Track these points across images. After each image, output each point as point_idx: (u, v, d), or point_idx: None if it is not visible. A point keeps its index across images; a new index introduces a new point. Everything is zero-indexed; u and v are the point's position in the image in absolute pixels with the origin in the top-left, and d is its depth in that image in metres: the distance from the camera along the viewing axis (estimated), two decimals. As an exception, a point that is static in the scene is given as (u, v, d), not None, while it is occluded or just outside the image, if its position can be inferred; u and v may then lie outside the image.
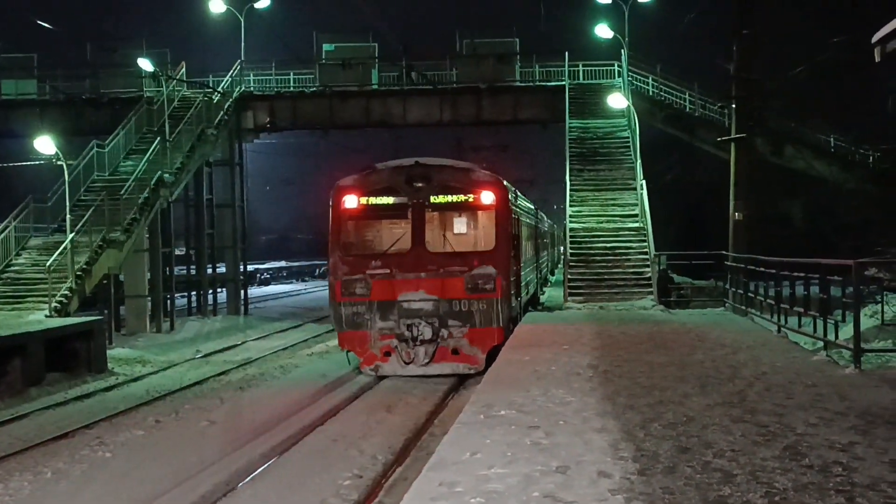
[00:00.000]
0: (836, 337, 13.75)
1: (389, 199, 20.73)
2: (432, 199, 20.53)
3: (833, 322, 14.01)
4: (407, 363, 20.16)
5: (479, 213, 21.32)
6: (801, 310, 15.63)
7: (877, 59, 8.82)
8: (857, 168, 36.22)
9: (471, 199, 20.77)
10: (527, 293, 27.44)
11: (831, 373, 12.00)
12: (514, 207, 22.86)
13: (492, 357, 17.07)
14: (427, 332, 19.99)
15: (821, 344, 14.59)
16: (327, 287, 22.34)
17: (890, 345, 17.92)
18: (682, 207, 45.57)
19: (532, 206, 32.59)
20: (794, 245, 26.20)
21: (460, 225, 21.55)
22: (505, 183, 21.92)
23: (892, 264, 18.77)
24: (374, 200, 20.76)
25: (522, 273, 25.09)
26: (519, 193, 26.70)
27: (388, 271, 20.17)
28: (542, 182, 77.36)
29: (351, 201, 20.70)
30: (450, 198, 20.76)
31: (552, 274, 53.79)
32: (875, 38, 8.69)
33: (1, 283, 27.17)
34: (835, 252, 19.85)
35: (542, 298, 37.66)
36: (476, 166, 23.43)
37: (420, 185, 20.52)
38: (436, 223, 21.11)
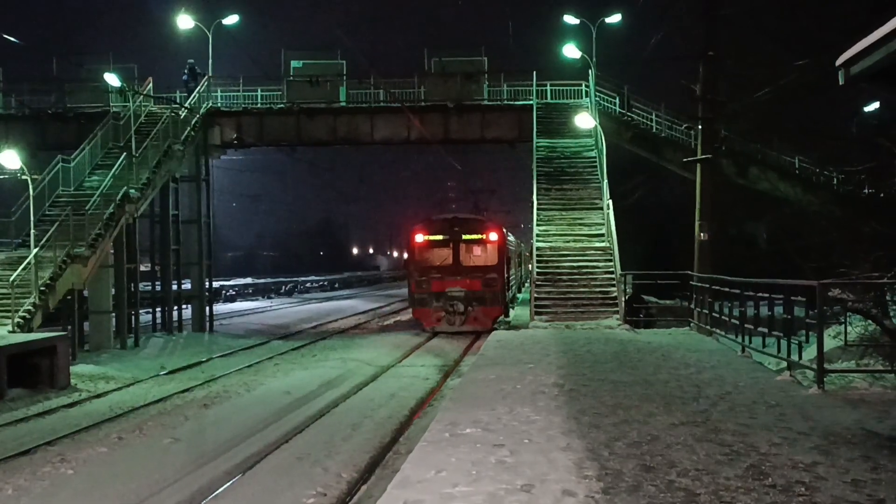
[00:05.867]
0: (800, 357, 13.80)
1: (441, 236, 36.62)
2: (464, 237, 36.56)
3: (797, 342, 14.06)
4: (450, 325, 35.74)
5: (488, 244, 36.65)
6: (766, 330, 15.69)
7: (840, 81, 8.86)
8: (822, 190, 36.34)
9: (484, 237, 36.72)
10: (511, 291, 44.30)
11: (795, 393, 12.07)
12: (507, 241, 38.90)
13: (494, 323, 35.26)
14: (461, 308, 35.85)
15: (784, 364, 14.61)
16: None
17: (853, 365, 18.12)
18: (648, 227, 45.74)
19: (514, 238, 50.74)
20: (758, 265, 26.29)
21: (478, 251, 36.76)
22: (504, 228, 39.58)
23: (855, 286, 18.90)
24: (432, 237, 36.71)
25: (511, 278, 42.80)
26: (509, 233, 43.44)
27: (440, 275, 36.00)
28: (510, 200, 77.87)
29: (420, 237, 36.84)
30: (473, 236, 36.73)
31: (523, 286, 56.87)
32: (839, 61, 8.74)
33: (-37, 298, 26.80)
34: (799, 273, 19.97)
35: (510, 317, 38.84)
36: (487, 217, 42.99)
37: (457, 229, 36.67)
38: (465, 250, 36.62)
